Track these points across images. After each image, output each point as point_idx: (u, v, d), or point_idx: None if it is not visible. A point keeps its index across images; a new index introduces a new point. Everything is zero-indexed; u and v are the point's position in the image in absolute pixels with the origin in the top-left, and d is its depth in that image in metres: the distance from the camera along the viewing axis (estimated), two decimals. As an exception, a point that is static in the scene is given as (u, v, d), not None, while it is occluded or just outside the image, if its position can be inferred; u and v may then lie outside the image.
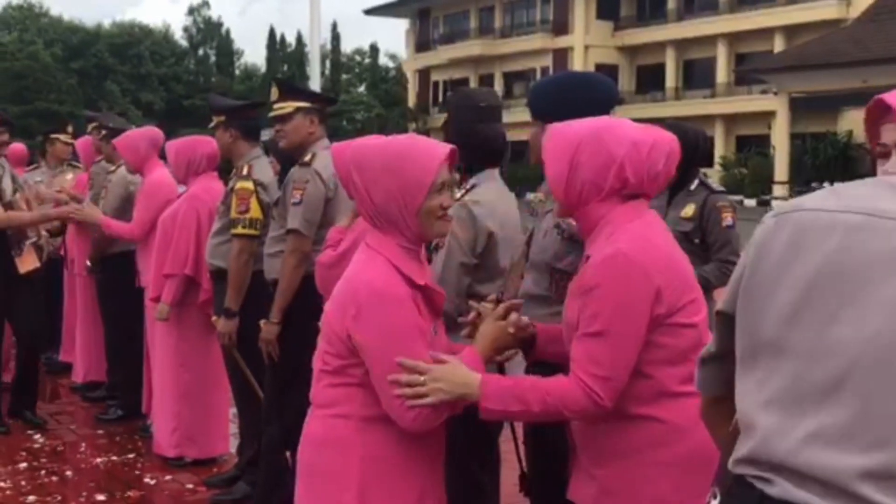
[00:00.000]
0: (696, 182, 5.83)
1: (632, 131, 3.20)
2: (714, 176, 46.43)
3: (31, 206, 8.60)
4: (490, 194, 4.52)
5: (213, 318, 6.38)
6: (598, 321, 3.04)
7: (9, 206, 8.16)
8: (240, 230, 6.09)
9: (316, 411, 3.35)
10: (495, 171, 4.64)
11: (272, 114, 5.93)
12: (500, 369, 4.15)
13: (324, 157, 5.70)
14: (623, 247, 3.06)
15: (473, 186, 4.53)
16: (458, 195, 4.49)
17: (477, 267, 4.48)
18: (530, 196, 4.17)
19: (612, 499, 3.22)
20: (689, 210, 5.78)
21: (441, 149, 3.32)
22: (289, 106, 5.82)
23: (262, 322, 5.78)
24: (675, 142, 3.28)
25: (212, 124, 6.55)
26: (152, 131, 8.08)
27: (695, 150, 5.78)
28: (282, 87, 6.00)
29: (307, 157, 5.72)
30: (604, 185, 3.16)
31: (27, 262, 8.26)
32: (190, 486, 6.90)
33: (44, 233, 8.74)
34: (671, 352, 3.10)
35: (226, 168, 6.81)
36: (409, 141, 3.39)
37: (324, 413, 3.31)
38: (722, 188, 6.04)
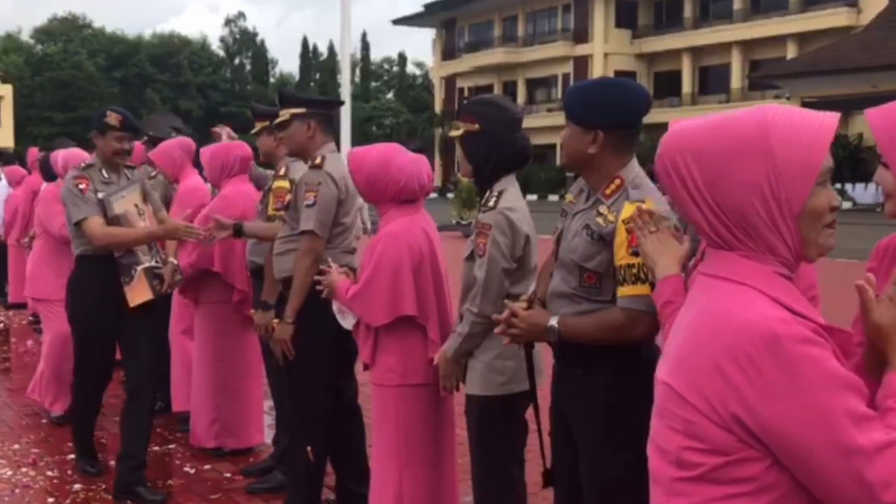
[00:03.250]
0: None
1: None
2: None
3: (163, 219, 6.83)
4: (518, 199, 4.55)
5: (252, 311, 6.39)
6: None
7: (114, 220, 6.38)
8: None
9: None
10: (513, 177, 4.64)
11: (275, 122, 5.99)
12: (529, 353, 4.17)
13: (333, 159, 5.70)
14: None
15: (501, 193, 4.53)
16: (490, 203, 4.49)
17: (514, 269, 4.51)
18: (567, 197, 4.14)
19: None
20: None
21: (830, 119, 2.23)
22: (285, 113, 5.83)
23: (275, 321, 5.79)
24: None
25: (254, 130, 6.59)
26: (183, 140, 8.09)
27: None
28: (281, 96, 6.06)
29: (317, 160, 5.70)
30: None
31: (137, 293, 6.46)
32: (227, 475, 6.93)
33: (172, 259, 6.83)
34: None
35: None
36: (774, 111, 2.18)
37: None
38: None
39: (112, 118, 6.50)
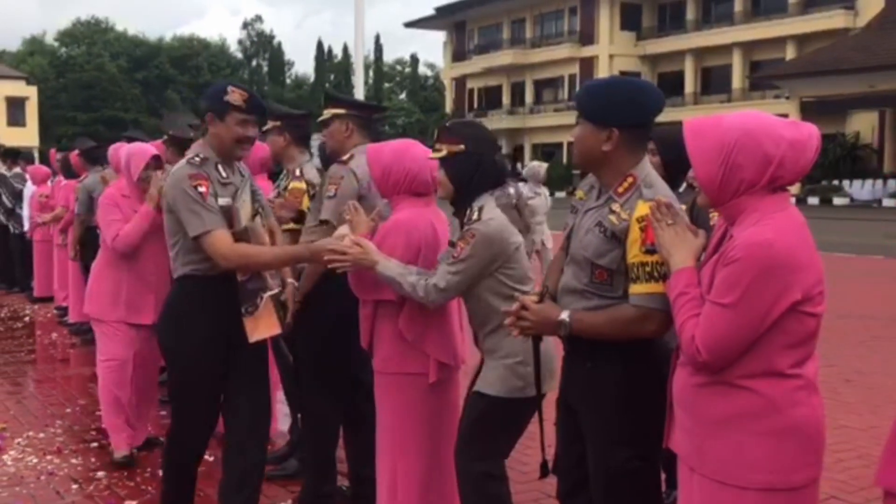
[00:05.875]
0: (683, 185, 5.69)
1: (785, 130, 3.08)
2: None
3: (276, 238, 5.43)
4: (497, 212, 4.56)
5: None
6: (730, 295, 2.98)
7: (241, 235, 4.90)
8: (291, 226, 6.10)
9: None
10: (489, 195, 4.61)
11: (318, 119, 6.01)
12: (536, 346, 4.16)
13: (362, 158, 5.71)
14: (772, 236, 2.97)
15: (482, 208, 4.52)
16: (473, 216, 4.49)
17: (513, 270, 4.52)
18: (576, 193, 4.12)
19: (705, 457, 3.19)
20: None
21: None
22: (328, 113, 5.88)
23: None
24: (818, 133, 3.18)
25: (266, 127, 6.56)
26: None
27: (683, 154, 5.54)
28: (326, 96, 6.11)
29: (346, 157, 5.73)
30: (758, 182, 3.07)
31: (262, 326, 5.02)
32: (245, 462, 6.92)
33: (290, 280, 5.49)
34: (792, 337, 3.03)
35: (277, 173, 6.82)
36: None
37: None
38: None
39: (235, 96, 4.97)
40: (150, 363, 7.14)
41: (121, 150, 7.20)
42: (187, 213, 4.78)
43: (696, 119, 3.25)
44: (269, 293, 5.09)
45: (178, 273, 4.99)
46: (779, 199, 3.12)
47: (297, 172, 6.28)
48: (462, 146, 4.57)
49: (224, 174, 4.98)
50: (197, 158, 4.94)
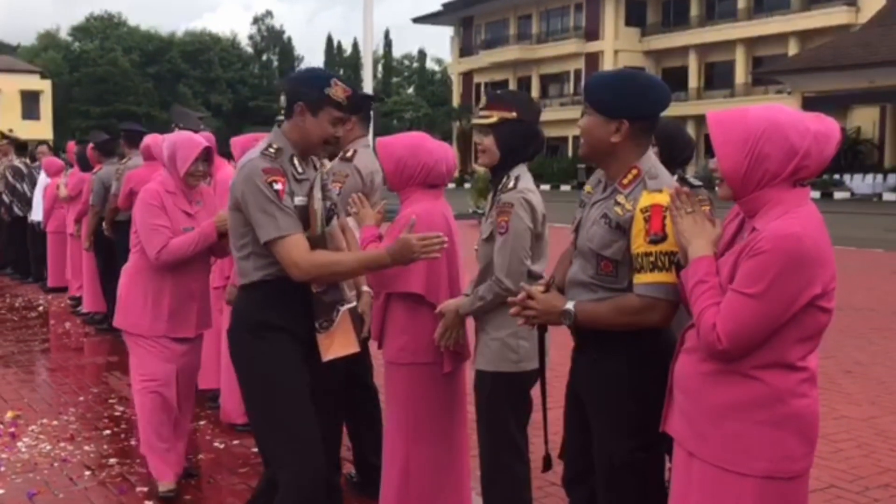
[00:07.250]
0: (674, 177, 5.63)
1: (810, 122, 3.08)
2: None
3: (349, 237, 4.84)
4: (531, 183, 4.57)
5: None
6: (757, 285, 2.97)
7: (318, 241, 4.25)
8: None
9: None
10: (525, 166, 4.63)
11: None
12: (542, 338, 4.16)
13: (363, 154, 5.66)
14: (799, 230, 2.97)
15: (518, 177, 4.53)
16: (509, 185, 4.50)
17: (536, 244, 4.54)
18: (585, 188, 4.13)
19: (706, 443, 3.20)
20: None
21: None
22: None
23: None
24: (839, 128, 3.17)
25: None
26: (206, 136, 7.11)
27: (675, 149, 5.54)
28: None
29: (349, 154, 5.68)
30: (782, 174, 3.06)
31: (337, 343, 4.34)
32: (255, 449, 6.87)
33: (365, 288, 4.86)
34: (806, 331, 3.04)
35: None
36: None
37: None
38: (699, 182, 5.81)
39: (338, 90, 4.23)
40: (190, 380, 6.27)
41: (164, 141, 6.24)
42: (260, 213, 4.09)
43: (720, 111, 3.23)
44: (347, 306, 4.43)
45: (251, 279, 4.26)
46: (801, 194, 3.11)
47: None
48: (514, 113, 4.56)
49: (300, 169, 4.26)
50: (271, 149, 4.22)
